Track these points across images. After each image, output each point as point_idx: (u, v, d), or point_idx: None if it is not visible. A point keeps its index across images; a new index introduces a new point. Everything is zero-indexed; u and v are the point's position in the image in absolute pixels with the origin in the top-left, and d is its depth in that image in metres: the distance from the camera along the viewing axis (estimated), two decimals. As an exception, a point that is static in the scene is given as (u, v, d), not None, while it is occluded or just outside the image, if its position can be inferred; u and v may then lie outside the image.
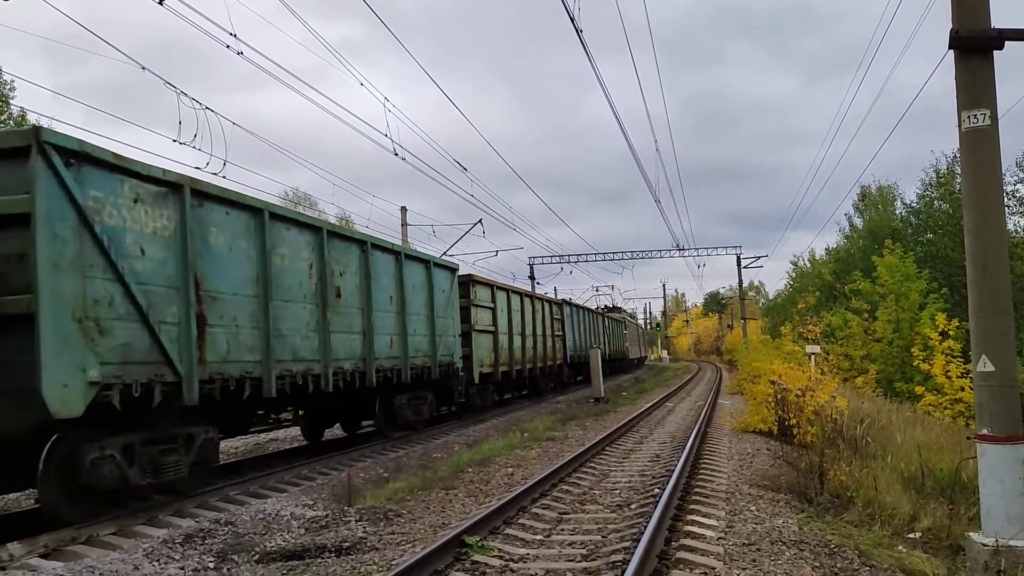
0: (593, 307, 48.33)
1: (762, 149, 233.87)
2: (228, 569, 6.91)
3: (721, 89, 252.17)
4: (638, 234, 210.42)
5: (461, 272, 19.90)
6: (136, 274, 8.53)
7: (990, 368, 7.22)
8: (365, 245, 14.18)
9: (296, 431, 16.94)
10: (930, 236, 38.72)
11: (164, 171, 9.19)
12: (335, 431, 17.08)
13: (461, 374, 18.75)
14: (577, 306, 36.98)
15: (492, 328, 21.77)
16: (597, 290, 70.71)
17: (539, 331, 26.78)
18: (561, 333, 30.65)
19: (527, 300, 25.95)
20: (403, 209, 32.70)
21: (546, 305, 28.71)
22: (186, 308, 9.25)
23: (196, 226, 9.56)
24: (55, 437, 8.06)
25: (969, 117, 7.38)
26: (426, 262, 17.27)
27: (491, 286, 22.48)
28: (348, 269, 13.47)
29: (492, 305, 21.99)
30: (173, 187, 9.25)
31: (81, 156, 7.94)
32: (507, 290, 23.96)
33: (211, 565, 7.07)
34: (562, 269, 53.89)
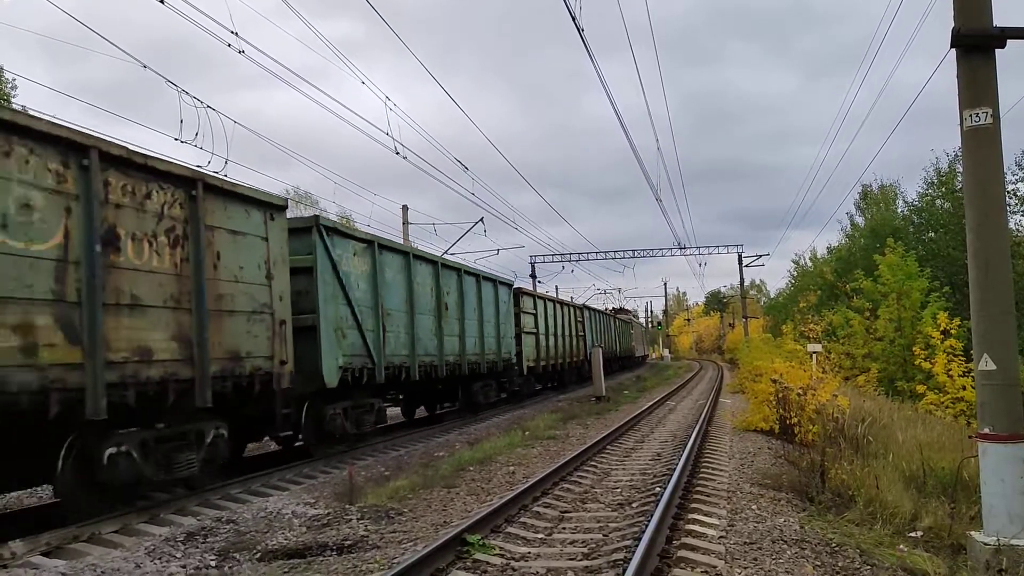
0: (602, 308, 51.24)
1: (762, 147, 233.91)
2: (230, 567, 6.92)
3: (721, 87, 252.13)
4: (639, 232, 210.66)
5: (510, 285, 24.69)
6: (356, 301, 13.53)
7: (992, 367, 7.22)
8: (460, 271, 19.43)
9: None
10: (932, 235, 38.67)
11: (366, 234, 15.02)
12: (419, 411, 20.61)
13: (516, 367, 23.95)
14: (594, 310, 42.38)
15: (535, 331, 26.91)
16: (605, 292, 71.71)
17: (567, 332, 31.84)
18: (583, 333, 35.30)
19: (559, 306, 31.35)
20: (404, 208, 32.74)
21: (572, 310, 33.94)
22: (376, 321, 14.31)
23: (379, 268, 14.59)
24: (310, 400, 12.54)
25: (971, 116, 7.37)
26: (494, 281, 22.25)
27: (533, 296, 28.19)
28: (451, 289, 18.48)
29: (534, 312, 27.07)
30: (369, 243, 14.54)
31: (332, 230, 13.12)
32: (544, 299, 29.68)
33: (213, 563, 7.08)
34: (563, 268, 54.02)
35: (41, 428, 7.56)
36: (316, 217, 12.81)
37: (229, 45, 13.36)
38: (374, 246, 14.51)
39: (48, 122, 7.72)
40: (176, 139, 13.77)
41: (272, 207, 11.05)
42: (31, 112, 9.73)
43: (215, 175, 10.85)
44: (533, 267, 52.36)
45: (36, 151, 7.33)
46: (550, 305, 29.64)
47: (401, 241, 29.96)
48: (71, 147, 7.72)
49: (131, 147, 8.63)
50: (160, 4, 11.46)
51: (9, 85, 31.17)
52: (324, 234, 12.64)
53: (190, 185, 9.31)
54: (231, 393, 9.85)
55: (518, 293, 25.33)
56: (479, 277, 20.79)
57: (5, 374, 6.81)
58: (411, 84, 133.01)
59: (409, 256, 16.25)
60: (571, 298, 40.84)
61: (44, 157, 7.41)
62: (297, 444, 13.22)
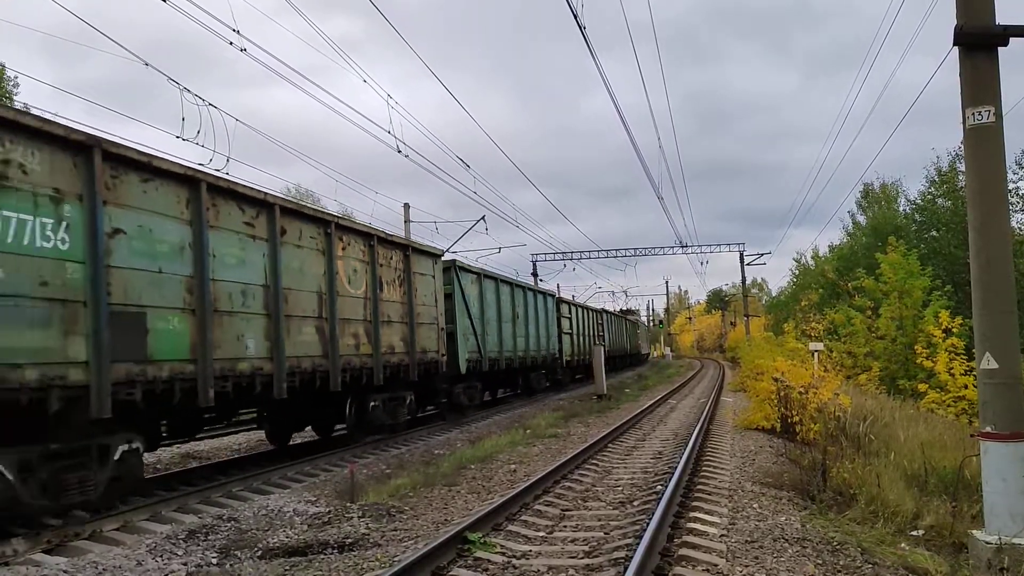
0: (612, 310, 55.29)
1: (761, 146, 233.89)
2: (231, 565, 6.92)
3: (720, 86, 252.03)
4: (639, 231, 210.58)
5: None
6: (472, 315, 20.02)
7: (994, 365, 7.21)
8: (524, 289, 26.43)
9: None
10: (934, 233, 38.62)
11: (479, 269, 21.84)
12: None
13: (558, 361, 30.52)
14: (610, 313, 49.66)
15: (570, 331, 33.05)
16: (615, 294, 74.26)
17: (591, 332, 38.25)
18: (602, 333, 41.65)
19: (586, 311, 38.08)
20: (406, 206, 32.70)
21: (594, 314, 40.85)
22: (483, 327, 20.75)
23: (483, 291, 21.32)
24: (449, 384, 18.77)
25: (973, 114, 7.36)
26: (544, 294, 29.73)
27: (568, 303, 34.11)
28: (519, 302, 25.01)
29: (570, 316, 33.25)
30: (477, 274, 21.21)
31: (461, 268, 19.87)
32: (576, 305, 36.28)
33: (214, 561, 7.08)
34: (564, 266, 54.10)
35: (355, 389, 13.74)
36: (454, 261, 19.66)
37: (231, 43, 13.36)
38: (480, 276, 21.39)
39: (363, 224, 15.45)
40: (178, 137, 13.76)
41: (436, 256, 17.58)
42: (33, 108, 9.75)
43: (418, 242, 17.91)
44: (535, 265, 52.36)
45: (355, 243, 13.82)
46: (579, 310, 36.30)
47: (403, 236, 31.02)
48: (368, 236, 14.35)
49: (387, 231, 15.60)
50: (163, 3, 11.45)
51: (11, 83, 31.19)
52: (457, 272, 19.41)
53: (406, 248, 15.94)
54: (422, 374, 16.19)
55: (558, 301, 31.64)
56: (535, 292, 28.14)
57: (359, 361, 13.54)
58: (410, 83, 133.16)
59: (497, 280, 22.99)
60: (572, 297, 41.78)
61: (357, 245, 13.93)
62: (422, 414, 18.54)
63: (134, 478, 9.04)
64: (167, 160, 9.26)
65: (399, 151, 19.92)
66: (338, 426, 14.94)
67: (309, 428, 15.61)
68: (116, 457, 8.56)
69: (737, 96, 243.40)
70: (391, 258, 15.04)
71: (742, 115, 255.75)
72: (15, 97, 31.35)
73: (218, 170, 13.20)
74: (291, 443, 14.99)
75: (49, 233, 7.52)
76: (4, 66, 31.48)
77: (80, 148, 7.97)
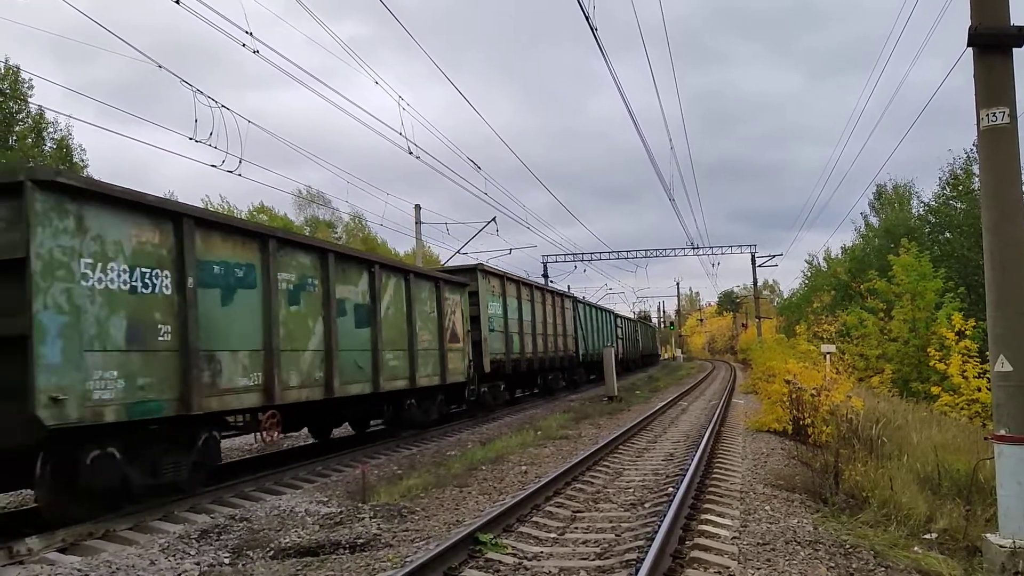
0: (624, 313, 58.44)
1: (767, 147, 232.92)
2: (243, 565, 6.95)
3: (724, 87, 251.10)
4: (648, 232, 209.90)
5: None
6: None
7: (1008, 368, 7.16)
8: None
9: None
10: (947, 235, 38.37)
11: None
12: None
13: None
14: (629, 318, 55.18)
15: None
16: (636, 299, 77.14)
17: (604, 333, 40.34)
18: (615, 334, 43.87)
19: (598, 312, 40.37)
20: (417, 207, 32.74)
21: (607, 314, 43.46)
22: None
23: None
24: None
25: (988, 115, 7.32)
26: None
27: (585, 303, 36.78)
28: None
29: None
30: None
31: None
32: (591, 305, 39.01)
33: (226, 561, 7.11)
34: (575, 267, 54.10)
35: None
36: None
37: (244, 45, 13.42)
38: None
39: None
40: (191, 138, 13.84)
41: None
42: (48, 110, 9.83)
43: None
44: (545, 267, 52.42)
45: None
46: (595, 312, 39.23)
47: (414, 239, 31.38)
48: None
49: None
50: (175, 4, 11.51)
51: (26, 85, 31.41)
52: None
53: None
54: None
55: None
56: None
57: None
58: (417, 86, 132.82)
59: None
60: (583, 298, 42.05)
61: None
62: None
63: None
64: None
65: (410, 152, 19.97)
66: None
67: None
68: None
69: (741, 97, 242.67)
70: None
71: (746, 116, 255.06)
72: (30, 99, 31.57)
73: (231, 171, 13.30)
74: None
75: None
76: (19, 68, 31.71)
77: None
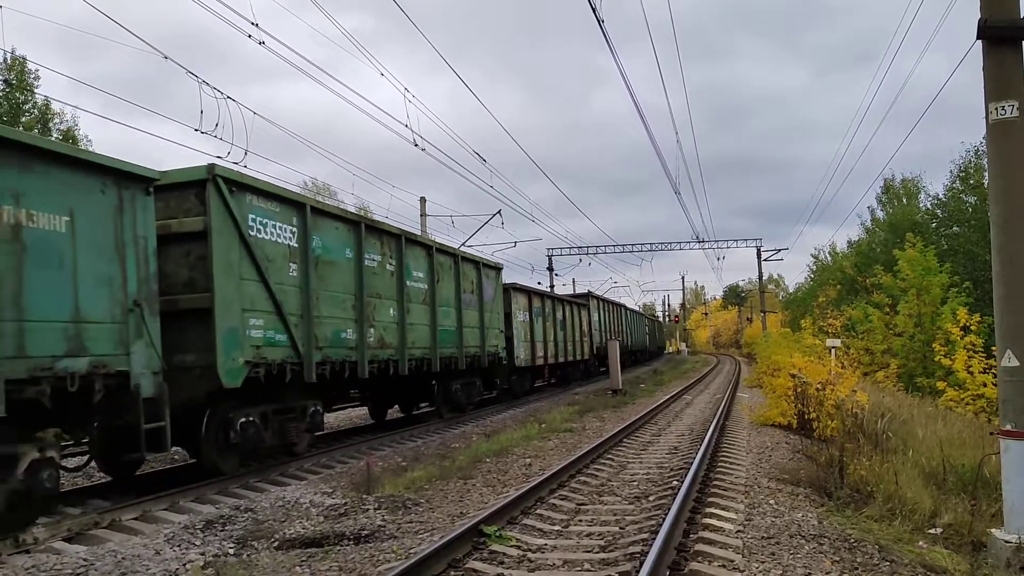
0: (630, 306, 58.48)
1: (772, 142, 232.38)
2: (248, 555, 6.96)
3: (729, 83, 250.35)
4: (653, 226, 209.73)
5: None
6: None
7: (1015, 363, 7.14)
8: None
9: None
10: (955, 229, 38.23)
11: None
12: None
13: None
14: (634, 311, 55.51)
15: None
16: (639, 299, 79.80)
17: (611, 327, 41.76)
18: (620, 328, 45.36)
19: (606, 306, 41.97)
20: (422, 200, 32.74)
21: (613, 307, 44.55)
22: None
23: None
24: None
25: (997, 109, 7.28)
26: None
27: (597, 298, 39.62)
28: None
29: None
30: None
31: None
32: (601, 299, 41.21)
33: (231, 551, 7.13)
34: (580, 261, 54.07)
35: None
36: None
37: (250, 36, 13.41)
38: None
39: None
40: (196, 130, 13.83)
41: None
42: (54, 101, 9.86)
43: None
44: (550, 260, 52.33)
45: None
46: (604, 307, 41.16)
47: (420, 232, 31.75)
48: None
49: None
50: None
51: (32, 76, 31.42)
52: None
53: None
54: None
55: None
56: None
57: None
58: (419, 79, 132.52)
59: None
60: (588, 291, 42.14)
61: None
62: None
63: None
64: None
65: (416, 144, 19.95)
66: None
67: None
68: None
69: (746, 92, 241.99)
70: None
71: (751, 111, 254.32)
72: (36, 90, 31.59)
73: (236, 163, 13.33)
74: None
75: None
76: (25, 59, 31.71)
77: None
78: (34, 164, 7.31)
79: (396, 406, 18.84)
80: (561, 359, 29.82)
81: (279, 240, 11.09)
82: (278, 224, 11.08)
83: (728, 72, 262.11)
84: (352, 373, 12.88)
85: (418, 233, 21.91)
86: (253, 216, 10.53)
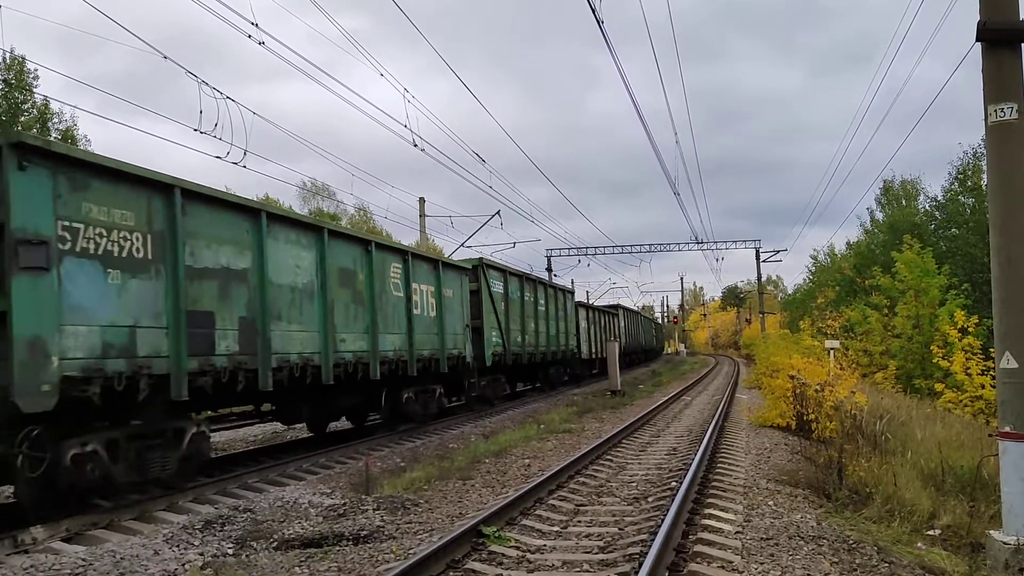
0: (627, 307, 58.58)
1: (768, 144, 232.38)
2: (247, 555, 6.96)
3: (726, 84, 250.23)
4: (651, 228, 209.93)
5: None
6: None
7: (1013, 365, 7.15)
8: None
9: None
10: (954, 231, 38.26)
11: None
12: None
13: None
14: (632, 312, 55.75)
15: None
16: (638, 300, 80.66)
17: (606, 327, 41.33)
18: (617, 328, 45.58)
19: (599, 308, 42.93)
20: (421, 200, 32.70)
21: (609, 309, 45.32)
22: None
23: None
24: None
25: (996, 111, 7.28)
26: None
27: (586, 306, 37.87)
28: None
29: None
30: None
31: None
32: (593, 308, 39.82)
33: (230, 551, 7.13)
34: (579, 262, 54.20)
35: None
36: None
37: (250, 36, 13.40)
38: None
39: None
40: (195, 130, 13.82)
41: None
42: (53, 100, 9.82)
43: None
44: (549, 260, 52.36)
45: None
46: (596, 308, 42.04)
47: (419, 232, 31.65)
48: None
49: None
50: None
51: (31, 75, 31.43)
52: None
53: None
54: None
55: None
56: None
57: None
58: (416, 80, 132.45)
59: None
60: (587, 292, 42.66)
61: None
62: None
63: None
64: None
65: (415, 145, 19.95)
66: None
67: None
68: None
69: (741, 93, 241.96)
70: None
71: (747, 113, 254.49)
72: (35, 89, 31.58)
73: (235, 163, 13.30)
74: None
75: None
76: (24, 58, 31.71)
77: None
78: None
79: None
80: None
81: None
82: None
83: (723, 74, 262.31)
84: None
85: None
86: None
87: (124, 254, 8.22)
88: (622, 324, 46.93)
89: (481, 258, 21.15)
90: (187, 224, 9.09)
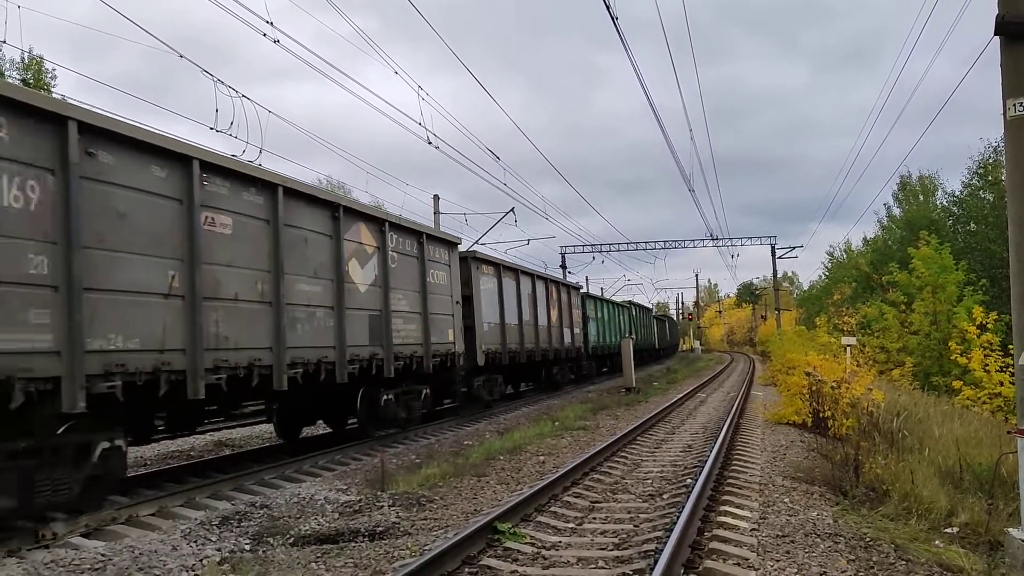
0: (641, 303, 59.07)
1: (776, 141, 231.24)
2: (263, 551, 7.01)
3: (731, 82, 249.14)
4: (663, 226, 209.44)
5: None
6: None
7: (1033, 361, 7.08)
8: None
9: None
10: (972, 227, 37.94)
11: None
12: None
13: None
14: (647, 309, 57.37)
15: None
16: (653, 297, 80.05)
17: (617, 325, 40.85)
18: (630, 325, 45.29)
19: (610, 303, 41.80)
20: (435, 197, 32.73)
21: (620, 306, 44.46)
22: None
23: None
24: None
25: (1015, 105, 7.21)
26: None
27: (594, 298, 37.63)
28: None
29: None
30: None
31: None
32: (602, 300, 40.00)
33: (247, 547, 7.17)
34: (593, 259, 54.14)
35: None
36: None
37: (264, 35, 13.46)
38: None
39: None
40: (212, 128, 13.89)
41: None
42: (70, 99, 9.85)
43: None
44: (563, 258, 52.32)
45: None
46: (605, 303, 40.65)
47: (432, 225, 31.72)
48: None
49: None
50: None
51: (49, 75, 31.67)
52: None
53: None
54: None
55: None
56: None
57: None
58: (425, 79, 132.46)
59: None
60: (601, 290, 42.60)
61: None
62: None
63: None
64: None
65: (429, 142, 19.96)
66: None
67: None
68: None
69: (746, 91, 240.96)
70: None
71: (753, 110, 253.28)
72: (53, 89, 31.84)
73: (251, 161, 13.37)
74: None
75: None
76: (42, 58, 31.96)
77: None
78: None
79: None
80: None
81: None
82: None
83: (728, 72, 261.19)
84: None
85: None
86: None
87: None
88: (635, 320, 46.92)
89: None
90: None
